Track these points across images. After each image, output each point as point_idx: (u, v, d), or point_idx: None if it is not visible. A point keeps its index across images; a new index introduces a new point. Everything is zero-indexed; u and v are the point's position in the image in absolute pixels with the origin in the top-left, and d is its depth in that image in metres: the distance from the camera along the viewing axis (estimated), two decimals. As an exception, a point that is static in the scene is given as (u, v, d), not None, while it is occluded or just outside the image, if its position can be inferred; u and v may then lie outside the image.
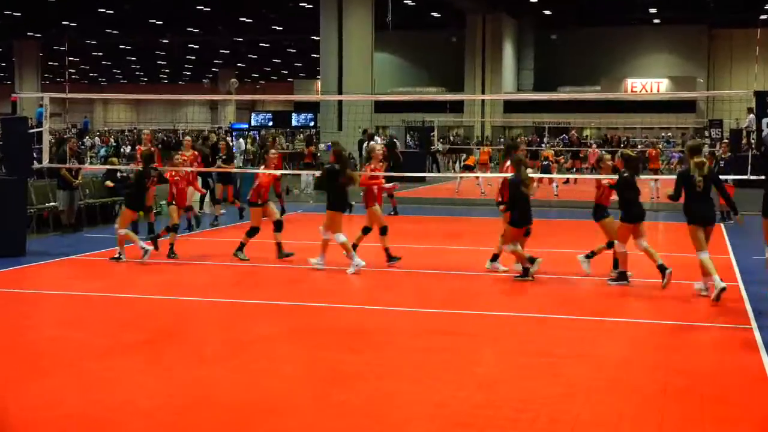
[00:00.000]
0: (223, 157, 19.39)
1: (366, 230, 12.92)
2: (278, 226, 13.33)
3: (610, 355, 8.04)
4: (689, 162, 10.77)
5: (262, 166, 14.25)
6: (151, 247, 13.14)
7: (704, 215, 10.66)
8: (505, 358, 7.92)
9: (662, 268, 11.21)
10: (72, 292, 11.07)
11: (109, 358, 7.81)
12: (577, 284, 11.67)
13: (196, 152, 17.88)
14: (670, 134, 48.05)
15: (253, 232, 13.20)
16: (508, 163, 12.37)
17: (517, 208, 11.69)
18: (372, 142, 13.71)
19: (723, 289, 10.26)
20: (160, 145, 48.51)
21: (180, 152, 17.16)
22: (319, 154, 31.85)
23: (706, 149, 40.85)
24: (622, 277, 11.46)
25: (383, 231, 12.77)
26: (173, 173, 14.16)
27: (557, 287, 11.51)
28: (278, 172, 16.08)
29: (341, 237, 12.35)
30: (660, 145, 38.36)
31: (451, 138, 46.69)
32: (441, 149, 39.54)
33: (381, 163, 13.46)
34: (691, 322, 9.51)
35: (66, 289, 11.26)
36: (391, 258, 12.72)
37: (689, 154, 10.97)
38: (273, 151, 14.92)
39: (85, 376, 7.22)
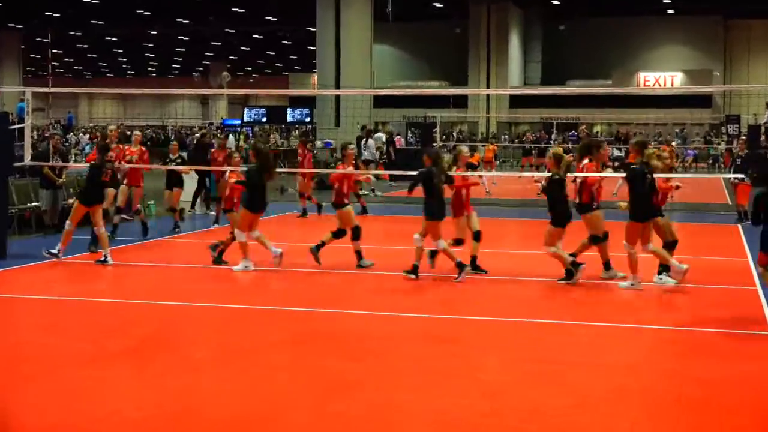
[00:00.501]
0: (176, 159, 17.73)
1: (458, 242, 12.53)
2: (356, 232, 13.02)
3: (622, 363, 8.05)
4: (639, 158, 11.36)
5: (340, 165, 13.72)
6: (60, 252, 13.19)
7: (651, 211, 11.40)
8: (511, 366, 7.93)
9: (572, 269, 11.67)
10: (55, 297, 11.07)
11: (94, 366, 7.82)
12: (586, 288, 11.68)
13: (143, 148, 17.00)
14: (684, 130, 48.10)
15: (355, 233, 12.96)
16: (585, 161, 12.33)
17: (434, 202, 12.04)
18: (457, 148, 13.37)
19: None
20: (149, 142, 48.53)
21: (126, 147, 16.70)
22: (315, 152, 31.85)
23: (723, 146, 40.93)
24: (569, 275, 11.74)
25: (476, 237, 12.53)
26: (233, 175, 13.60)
27: (565, 291, 11.52)
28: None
29: (242, 236, 12.60)
30: (674, 142, 38.42)
31: (454, 135, 46.68)
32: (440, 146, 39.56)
33: (466, 168, 12.99)
34: (706, 327, 9.52)
35: (48, 294, 11.26)
36: (476, 267, 12.47)
37: (639, 150, 11.48)
38: (351, 145, 14.32)
39: (68, 385, 7.21)
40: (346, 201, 13.18)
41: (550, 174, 11.96)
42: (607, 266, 12.14)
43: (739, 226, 18.17)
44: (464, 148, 13.35)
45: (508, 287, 11.86)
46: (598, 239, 12.04)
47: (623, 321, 9.88)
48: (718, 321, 9.82)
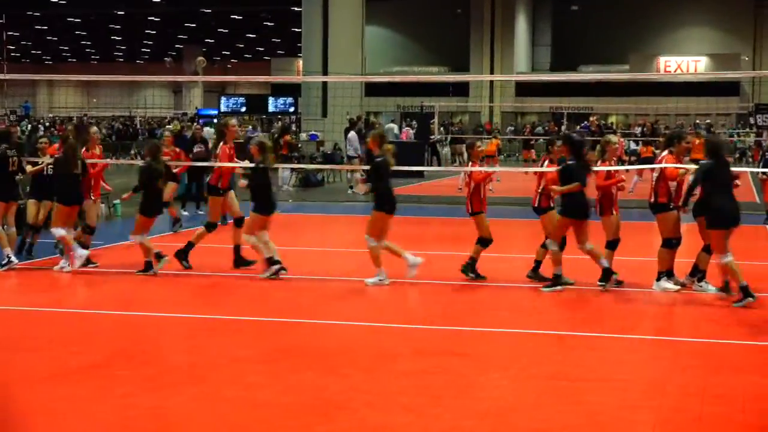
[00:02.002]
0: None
1: (612, 244, 12.08)
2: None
3: (637, 379, 8.08)
4: (378, 150, 12.41)
5: (470, 164, 13.40)
6: (15, 260, 13.18)
7: (395, 203, 12.45)
8: (516, 383, 7.95)
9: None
10: (8, 307, 11.05)
11: (53, 384, 7.81)
12: (598, 296, 11.71)
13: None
14: (709, 121, 48.12)
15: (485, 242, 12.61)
16: (665, 153, 12.10)
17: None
18: (605, 138, 12.96)
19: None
20: (113, 136, 48.45)
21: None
22: (300, 145, 31.88)
23: (751, 139, 41.02)
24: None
25: (612, 245, 12.09)
26: None
27: (576, 300, 11.55)
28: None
29: (60, 231, 12.93)
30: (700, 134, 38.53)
31: (454, 127, 46.69)
32: (441, 138, 39.61)
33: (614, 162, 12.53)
34: (732, 339, 9.56)
35: (1, 304, 11.24)
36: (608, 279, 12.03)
37: (378, 142, 12.53)
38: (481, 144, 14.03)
39: (25, 406, 7.20)
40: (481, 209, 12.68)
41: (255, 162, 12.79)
42: (694, 273, 11.90)
43: (767, 227, 18.22)
44: (613, 138, 12.99)
45: (513, 295, 11.87)
46: (671, 243, 11.83)
47: (642, 333, 9.91)
48: (745, 332, 9.85)
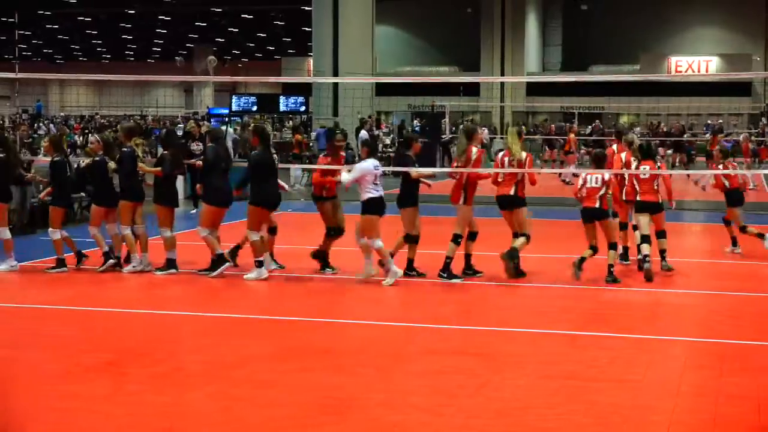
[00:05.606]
0: None
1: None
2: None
3: (650, 379, 8.04)
4: (260, 146, 12.80)
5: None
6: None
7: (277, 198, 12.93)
8: (528, 382, 7.93)
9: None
10: (22, 305, 11.06)
11: (66, 382, 7.82)
12: (610, 295, 11.67)
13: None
14: (720, 121, 48.01)
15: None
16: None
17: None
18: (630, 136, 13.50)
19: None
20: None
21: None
22: (312, 144, 31.88)
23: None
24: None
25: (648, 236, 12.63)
26: None
27: (588, 299, 11.52)
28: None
29: (5, 233, 12.94)
30: (708, 135, 38.30)
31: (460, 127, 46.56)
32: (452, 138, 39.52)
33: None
34: (744, 340, 9.52)
35: (15, 302, 11.25)
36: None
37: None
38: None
39: (38, 404, 7.22)
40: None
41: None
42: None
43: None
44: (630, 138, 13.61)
45: (524, 294, 11.84)
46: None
47: (655, 333, 9.87)
48: (760, 333, 9.80)
